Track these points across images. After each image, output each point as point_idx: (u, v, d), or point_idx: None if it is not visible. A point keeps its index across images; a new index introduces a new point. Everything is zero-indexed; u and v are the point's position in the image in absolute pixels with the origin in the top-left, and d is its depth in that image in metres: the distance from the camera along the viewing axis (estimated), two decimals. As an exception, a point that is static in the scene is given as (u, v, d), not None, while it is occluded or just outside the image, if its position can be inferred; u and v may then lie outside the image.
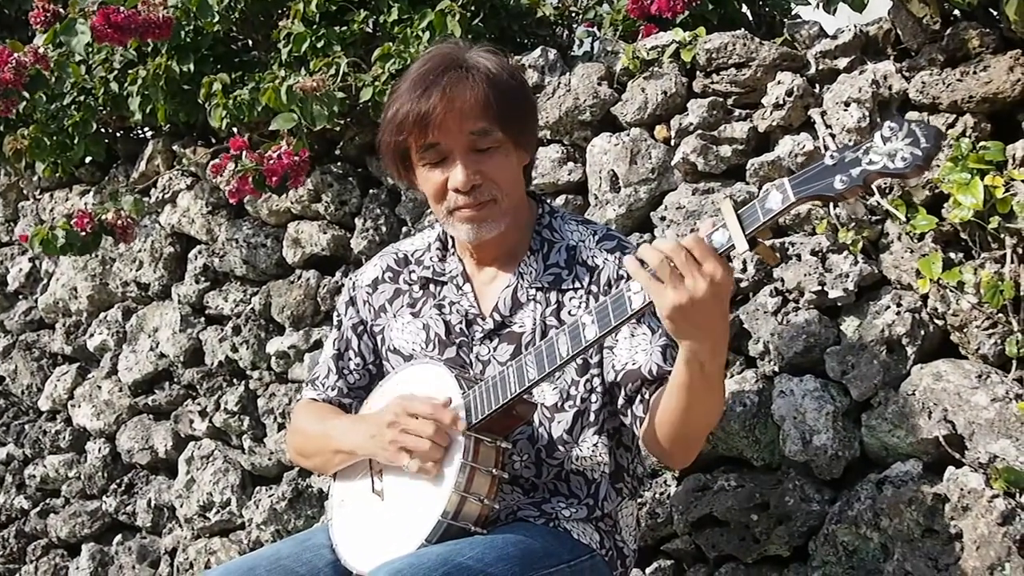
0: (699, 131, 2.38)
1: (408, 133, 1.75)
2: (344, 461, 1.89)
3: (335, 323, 2.04)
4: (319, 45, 2.81)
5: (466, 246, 1.88)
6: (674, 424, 1.65)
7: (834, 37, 2.29)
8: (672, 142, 2.45)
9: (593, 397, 1.82)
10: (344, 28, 2.84)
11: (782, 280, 2.25)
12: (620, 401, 1.79)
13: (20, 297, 3.92)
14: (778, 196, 1.39)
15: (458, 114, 1.72)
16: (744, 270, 2.30)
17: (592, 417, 1.83)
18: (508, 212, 1.80)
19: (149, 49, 3.11)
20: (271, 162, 2.68)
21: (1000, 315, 2.00)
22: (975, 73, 2.06)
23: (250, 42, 3.21)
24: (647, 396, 1.75)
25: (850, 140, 2.18)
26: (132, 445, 3.35)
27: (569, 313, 1.81)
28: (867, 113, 2.17)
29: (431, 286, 1.92)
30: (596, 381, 1.82)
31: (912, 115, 2.16)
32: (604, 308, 1.57)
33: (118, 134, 3.50)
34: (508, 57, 2.13)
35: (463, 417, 1.69)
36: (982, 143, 2.03)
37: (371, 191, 2.95)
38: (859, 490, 2.14)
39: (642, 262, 1.47)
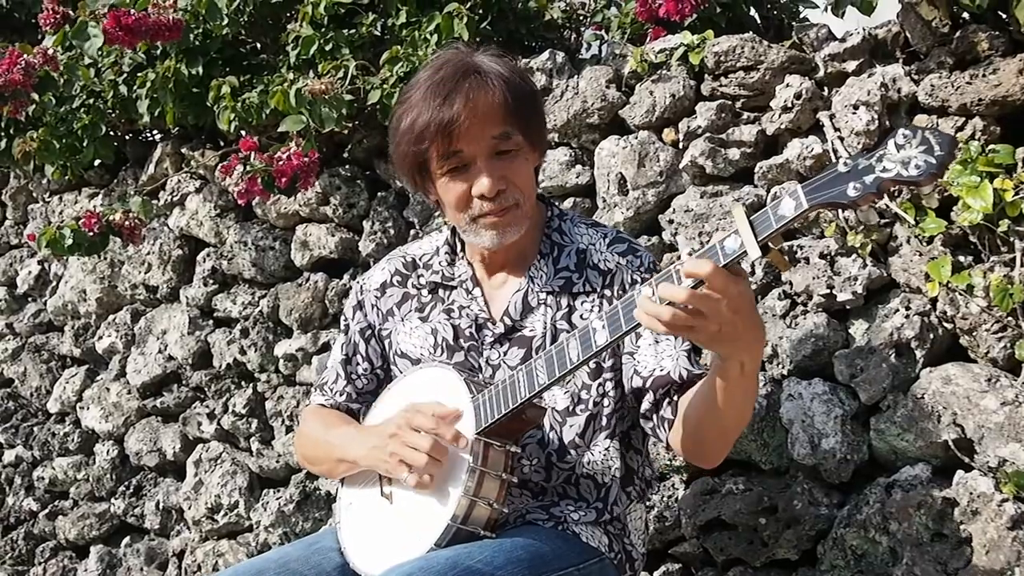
0: (707, 134, 2.38)
1: (430, 142, 1.73)
2: (349, 470, 1.89)
3: (342, 327, 2.03)
4: (327, 48, 2.82)
5: (477, 251, 1.88)
6: (714, 424, 1.64)
7: (842, 40, 2.29)
8: (680, 145, 2.44)
9: (605, 401, 1.82)
10: (352, 31, 2.84)
11: (791, 283, 2.25)
12: (645, 406, 1.78)
13: (29, 300, 3.93)
14: (791, 203, 1.39)
15: (481, 120, 1.71)
16: (752, 273, 2.29)
17: (604, 421, 1.82)
18: (528, 215, 1.80)
19: (158, 52, 3.13)
20: (280, 163, 2.69)
21: (1009, 318, 2.00)
22: (984, 76, 2.06)
23: (259, 45, 3.21)
24: (676, 399, 1.74)
25: (859, 143, 2.18)
26: (140, 447, 3.36)
27: (581, 317, 1.81)
28: (876, 116, 2.17)
29: (440, 290, 1.92)
30: (609, 385, 1.81)
31: (921, 118, 2.16)
32: (615, 313, 1.56)
33: (127, 137, 3.51)
34: (516, 60, 2.13)
35: (466, 431, 1.69)
36: (991, 146, 2.03)
37: (379, 194, 2.95)
38: (868, 494, 2.13)
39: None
